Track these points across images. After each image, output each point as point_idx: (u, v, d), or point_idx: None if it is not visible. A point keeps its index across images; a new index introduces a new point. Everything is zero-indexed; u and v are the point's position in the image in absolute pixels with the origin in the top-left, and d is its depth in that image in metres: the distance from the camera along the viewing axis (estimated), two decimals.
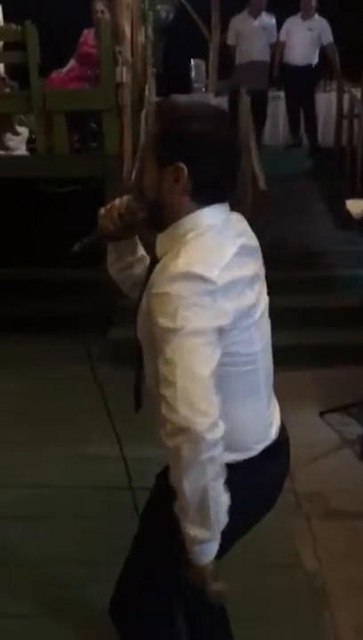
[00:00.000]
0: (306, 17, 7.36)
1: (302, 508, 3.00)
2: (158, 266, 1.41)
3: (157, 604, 1.66)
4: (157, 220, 1.46)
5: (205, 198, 1.41)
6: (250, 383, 1.47)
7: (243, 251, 1.41)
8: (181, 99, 1.51)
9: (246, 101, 6.57)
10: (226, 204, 1.46)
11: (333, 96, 7.92)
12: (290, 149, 7.67)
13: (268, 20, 7.47)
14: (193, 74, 9.94)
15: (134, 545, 1.69)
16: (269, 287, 1.65)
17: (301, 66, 7.27)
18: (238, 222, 1.50)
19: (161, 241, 1.46)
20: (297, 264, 5.32)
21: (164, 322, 1.30)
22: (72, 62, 5.77)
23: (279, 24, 7.53)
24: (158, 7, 8.88)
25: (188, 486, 1.30)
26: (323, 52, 7.40)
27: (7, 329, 5.11)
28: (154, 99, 7.41)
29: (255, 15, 7.42)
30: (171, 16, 9.88)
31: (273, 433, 1.56)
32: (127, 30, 5.40)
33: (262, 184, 5.09)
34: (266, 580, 2.52)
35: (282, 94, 8.32)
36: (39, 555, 2.71)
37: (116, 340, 4.83)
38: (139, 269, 1.65)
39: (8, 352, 4.87)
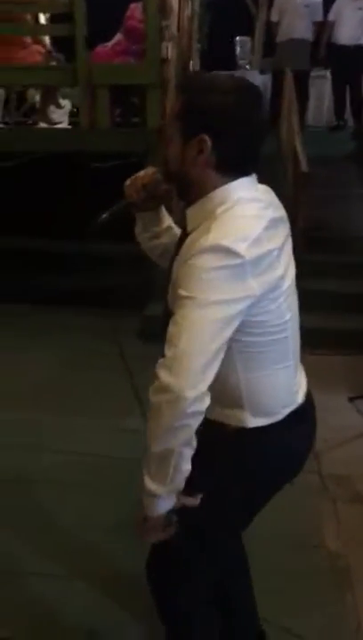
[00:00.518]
0: None
1: (329, 491, 3.02)
2: (188, 239, 1.43)
3: (182, 577, 1.70)
4: (183, 192, 1.48)
5: (229, 170, 1.42)
6: (279, 351, 1.49)
7: (271, 223, 1.41)
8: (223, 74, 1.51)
9: (289, 80, 6.49)
10: (253, 177, 1.47)
11: None
12: (334, 131, 7.56)
13: None
14: (238, 50, 9.88)
15: None
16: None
17: (349, 46, 7.11)
18: (266, 193, 1.50)
19: (191, 215, 1.47)
20: (336, 248, 5.28)
21: (184, 291, 1.33)
22: (118, 36, 5.75)
23: (326, 3, 7.38)
24: None
25: (156, 443, 1.36)
26: None
27: (46, 301, 5.20)
28: None
29: None
30: None
31: (300, 398, 1.59)
32: (175, 5, 5.35)
33: (303, 165, 5.04)
34: (291, 559, 2.56)
35: (327, 74, 8.18)
36: (73, 519, 2.80)
37: (153, 316, 4.87)
38: (166, 239, 1.69)
39: (45, 323, 4.97)
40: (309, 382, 1.69)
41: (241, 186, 1.43)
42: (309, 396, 1.64)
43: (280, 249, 1.43)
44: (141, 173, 1.58)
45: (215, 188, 1.42)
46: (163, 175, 1.54)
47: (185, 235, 1.48)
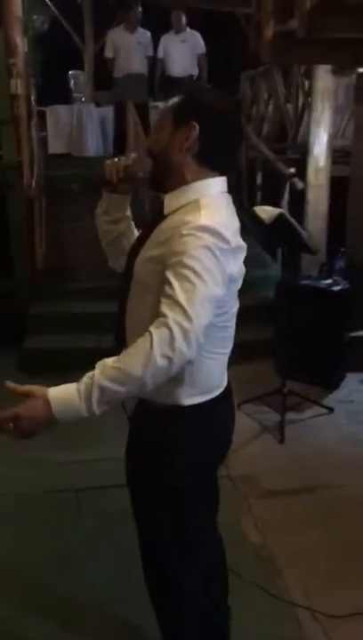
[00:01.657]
0: (178, 31, 7.75)
1: (239, 490, 3.24)
2: (169, 220, 1.58)
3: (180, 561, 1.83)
4: (161, 177, 1.63)
5: (207, 163, 1.61)
6: (224, 337, 1.68)
7: (238, 228, 1.63)
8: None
9: (133, 112, 6.79)
10: (225, 179, 1.66)
11: None
12: None
13: (144, 34, 7.73)
14: (72, 84, 10.07)
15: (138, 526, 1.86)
16: None
17: (182, 77, 7.59)
18: (231, 201, 1.69)
19: (169, 199, 1.62)
20: None
21: (186, 260, 1.46)
22: None
23: (154, 39, 7.81)
24: (35, 17, 8.86)
25: (135, 385, 1.46)
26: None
27: None
28: (36, 109, 7.45)
29: (131, 30, 7.65)
30: (45, 26, 9.90)
31: (225, 380, 1.79)
32: (19, 42, 5.43)
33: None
34: None
35: (160, 105, 8.60)
36: (5, 558, 2.78)
37: (33, 349, 4.86)
38: (123, 227, 1.82)
39: None
40: None
41: (219, 183, 1.63)
42: (228, 379, 1.82)
43: (244, 250, 1.63)
44: (124, 157, 1.72)
45: (194, 178, 1.59)
46: (143, 163, 1.68)
47: (160, 218, 1.62)
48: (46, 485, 3.29)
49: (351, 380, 4.69)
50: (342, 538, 2.90)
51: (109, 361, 1.47)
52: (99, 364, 1.47)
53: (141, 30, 7.72)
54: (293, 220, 3.69)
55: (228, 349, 1.73)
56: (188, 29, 7.81)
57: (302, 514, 3.10)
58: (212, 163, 1.61)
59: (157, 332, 1.44)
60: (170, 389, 1.62)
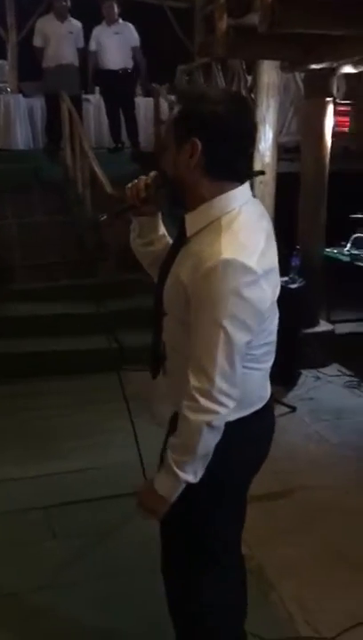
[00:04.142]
0: (111, 23, 7.46)
1: None
2: (192, 244, 1.49)
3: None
4: (178, 197, 1.53)
5: (219, 176, 1.48)
6: (267, 352, 1.61)
7: (268, 235, 1.53)
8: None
9: (69, 104, 6.54)
10: (247, 186, 1.54)
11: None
12: (114, 153, 7.67)
13: (74, 24, 7.44)
14: None
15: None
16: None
17: (116, 70, 7.32)
18: (259, 204, 1.59)
19: (191, 220, 1.51)
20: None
21: (209, 313, 1.41)
22: None
23: (86, 30, 7.53)
24: None
25: (201, 449, 1.50)
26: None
27: None
28: None
29: (62, 19, 7.34)
30: None
31: (268, 392, 1.73)
32: None
33: (108, 187, 5.12)
34: None
35: (91, 97, 8.38)
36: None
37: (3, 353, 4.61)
38: (159, 247, 1.72)
39: None
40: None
41: (240, 195, 1.50)
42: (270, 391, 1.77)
43: (277, 263, 1.54)
44: (143, 177, 1.60)
45: (211, 194, 1.47)
46: (162, 180, 1.57)
47: (184, 239, 1.52)
48: (13, 504, 3.08)
49: (307, 377, 4.71)
50: (327, 544, 2.87)
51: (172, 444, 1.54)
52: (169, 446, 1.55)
53: (71, 20, 7.42)
54: None
55: (269, 363, 1.65)
56: (120, 21, 7.53)
57: (284, 520, 3.05)
58: (226, 174, 1.49)
59: (186, 407, 1.47)
60: None
